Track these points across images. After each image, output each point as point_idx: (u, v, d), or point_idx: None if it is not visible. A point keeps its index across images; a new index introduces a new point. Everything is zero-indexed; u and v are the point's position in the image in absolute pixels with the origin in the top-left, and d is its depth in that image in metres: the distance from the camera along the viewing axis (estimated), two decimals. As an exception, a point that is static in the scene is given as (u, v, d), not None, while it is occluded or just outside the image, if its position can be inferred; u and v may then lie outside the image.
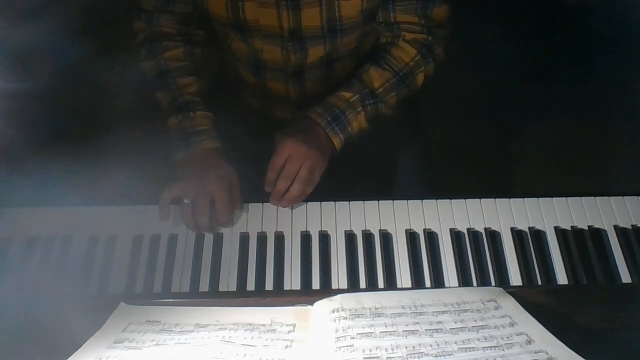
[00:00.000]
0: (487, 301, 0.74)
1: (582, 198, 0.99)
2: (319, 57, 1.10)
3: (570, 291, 0.88)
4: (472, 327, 0.68)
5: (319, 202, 0.99)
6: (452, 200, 0.99)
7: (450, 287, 0.89)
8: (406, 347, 0.64)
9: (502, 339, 0.65)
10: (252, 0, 1.00)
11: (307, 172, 0.98)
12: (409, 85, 1.10)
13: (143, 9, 1.09)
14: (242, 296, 0.87)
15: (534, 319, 0.69)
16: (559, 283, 0.91)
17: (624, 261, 0.92)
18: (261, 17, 1.02)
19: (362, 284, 0.90)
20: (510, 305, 0.73)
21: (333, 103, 1.05)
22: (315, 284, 0.90)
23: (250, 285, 0.90)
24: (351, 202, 0.99)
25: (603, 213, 0.97)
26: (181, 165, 1.01)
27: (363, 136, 1.08)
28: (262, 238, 0.95)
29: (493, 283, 0.90)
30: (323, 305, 0.73)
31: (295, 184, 0.98)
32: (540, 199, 0.99)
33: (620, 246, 0.94)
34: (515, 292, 0.76)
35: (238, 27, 1.05)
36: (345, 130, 1.05)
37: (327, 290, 0.89)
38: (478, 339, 0.65)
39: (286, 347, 0.66)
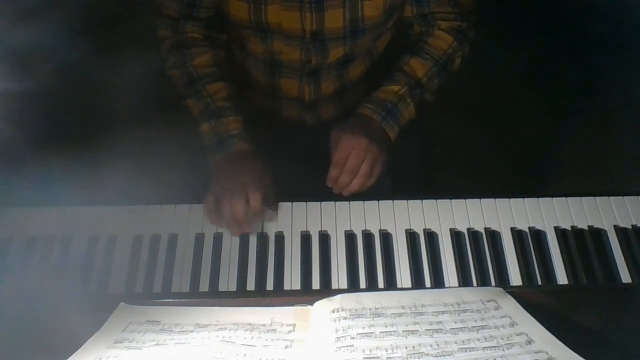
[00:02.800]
0: (487, 301, 0.74)
1: (582, 198, 0.99)
2: (337, 57, 1.11)
3: (570, 291, 0.88)
4: (472, 327, 0.68)
5: (319, 202, 0.99)
6: (452, 200, 0.99)
7: (450, 287, 0.89)
8: (406, 347, 0.64)
9: (502, 339, 0.65)
10: (275, 3, 1.01)
11: (369, 167, 1.00)
12: (448, 71, 1.13)
13: (167, 16, 1.09)
14: (242, 296, 0.88)
15: (534, 319, 0.69)
16: (559, 283, 0.91)
17: (624, 261, 0.92)
18: (284, 19, 1.03)
19: (362, 284, 0.90)
20: (510, 306, 0.73)
21: (383, 98, 1.07)
22: (315, 284, 0.90)
23: (250, 285, 0.90)
24: (351, 202, 0.99)
25: (603, 213, 0.97)
26: (217, 166, 1.02)
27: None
28: (262, 238, 0.95)
29: (493, 283, 0.90)
30: (323, 305, 0.73)
31: (357, 179, 1.00)
32: (540, 199, 0.99)
33: (620, 246, 0.94)
34: (515, 292, 0.76)
35: (259, 30, 1.06)
36: (399, 122, 1.07)
37: (327, 290, 0.89)
38: (478, 339, 0.65)
39: (286, 347, 0.66)
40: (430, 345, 0.64)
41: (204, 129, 1.05)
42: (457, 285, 0.90)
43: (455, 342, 0.64)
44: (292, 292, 0.89)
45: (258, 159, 1.03)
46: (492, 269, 0.92)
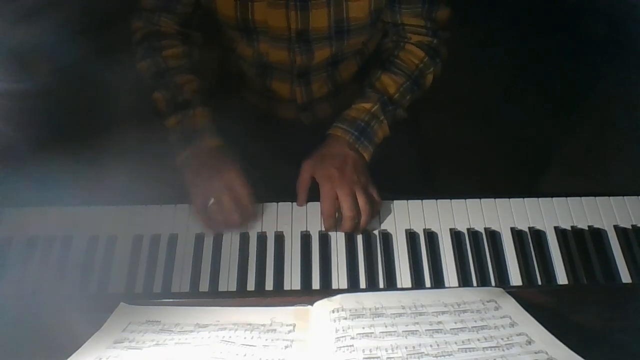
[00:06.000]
0: (487, 301, 0.74)
1: (582, 198, 0.99)
2: (324, 58, 1.10)
3: (570, 291, 0.88)
4: (472, 327, 0.68)
5: (318, 202, 0.98)
6: (452, 200, 0.99)
7: (450, 288, 0.89)
8: (406, 348, 0.64)
9: (502, 339, 0.65)
10: (261, 0, 1.00)
11: (366, 197, 0.95)
12: (420, 86, 1.11)
13: (143, 8, 1.09)
14: (242, 296, 0.88)
15: (534, 320, 0.69)
16: (559, 283, 0.91)
17: (624, 261, 0.92)
18: (270, 17, 1.02)
19: (362, 284, 0.90)
20: (510, 306, 0.73)
21: (355, 116, 1.04)
22: (315, 284, 0.90)
23: (250, 285, 0.90)
24: (351, 202, 0.99)
25: (603, 213, 0.97)
26: (186, 165, 0.99)
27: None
28: (262, 238, 0.95)
29: (493, 283, 0.90)
30: (323, 306, 0.73)
31: (363, 216, 0.94)
32: (540, 199, 0.99)
33: (620, 246, 0.94)
34: (515, 292, 0.76)
35: (245, 29, 1.05)
36: (373, 142, 1.03)
37: (327, 290, 0.89)
38: (478, 339, 0.65)
39: (286, 347, 0.66)
40: (430, 346, 0.64)
41: (169, 122, 1.03)
42: (457, 285, 0.90)
43: (455, 343, 0.64)
44: (292, 292, 0.89)
45: (231, 153, 1.00)
46: (492, 269, 0.92)
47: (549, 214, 0.97)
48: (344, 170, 0.97)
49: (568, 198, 0.99)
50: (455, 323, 0.69)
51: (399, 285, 0.90)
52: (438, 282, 0.91)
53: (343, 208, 0.94)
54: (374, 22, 1.07)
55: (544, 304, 0.78)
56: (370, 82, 1.08)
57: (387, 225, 0.97)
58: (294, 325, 0.71)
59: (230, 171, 0.97)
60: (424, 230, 0.96)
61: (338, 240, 0.95)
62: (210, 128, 1.02)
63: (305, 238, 0.95)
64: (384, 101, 1.06)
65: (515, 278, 0.91)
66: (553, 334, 0.66)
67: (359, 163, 1.00)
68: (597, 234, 0.95)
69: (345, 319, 0.70)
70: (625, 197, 0.99)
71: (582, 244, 0.94)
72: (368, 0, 1.01)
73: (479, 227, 0.96)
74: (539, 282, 0.90)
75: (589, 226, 0.96)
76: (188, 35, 1.12)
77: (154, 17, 1.08)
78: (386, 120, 1.05)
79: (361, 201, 0.95)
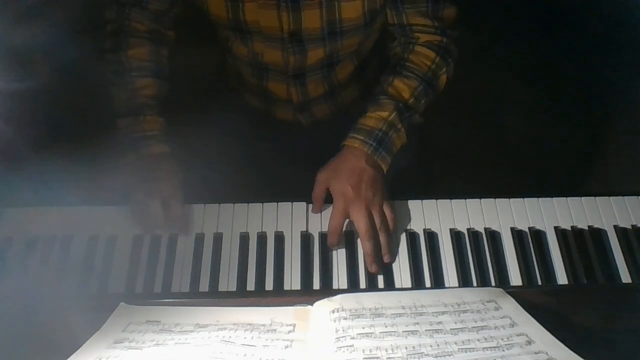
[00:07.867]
0: (487, 302, 0.74)
1: (582, 198, 0.99)
2: (318, 59, 1.09)
3: (570, 291, 0.88)
4: (472, 327, 0.68)
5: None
6: (452, 200, 0.99)
7: (450, 288, 0.89)
8: (406, 348, 0.64)
9: (502, 339, 0.65)
10: (252, 1, 1.00)
11: (381, 216, 0.93)
12: (434, 88, 1.08)
13: (115, 1, 1.07)
14: (242, 296, 0.88)
15: (534, 320, 0.69)
16: (559, 283, 0.91)
17: (624, 261, 0.92)
18: (261, 18, 1.02)
19: (362, 284, 0.90)
20: (510, 306, 0.73)
21: (372, 126, 1.00)
22: (316, 284, 0.90)
23: (250, 285, 0.90)
24: (351, 202, 0.99)
25: (603, 213, 0.97)
26: (131, 168, 1.00)
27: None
28: (262, 238, 0.95)
29: (493, 283, 0.90)
30: (323, 306, 0.73)
31: (382, 235, 0.92)
32: (540, 199, 0.99)
33: (620, 246, 0.94)
34: (515, 292, 0.76)
35: (238, 29, 1.05)
36: (392, 152, 1.01)
37: (327, 290, 0.89)
38: (478, 340, 0.65)
39: (286, 347, 0.66)
40: (430, 346, 0.64)
41: (120, 124, 1.03)
42: (457, 285, 0.90)
43: (455, 343, 0.64)
44: (292, 292, 0.89)
45: (173, 162, 1.01)
46: (492, 269, 0.92)
47: (549, 214, 0.97)
48: (360, 188, 0.94)
49: (568, 198, 0.99)
50: (455, 323, 0.69)
51: (398, 285, 0.90)
52: (438, 282, 0.91)
53: (359, 229, 0.92)
54: (368, 23, 1.06)
55: (544, 304, 0.78)
56: (383, 89, 1.04)
57: (387, 225, 0.97)
58: (294, 325, 0.71)
59: (167, 180, 0.98)
60: (424, 230, 0.96)
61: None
62: (158, 135, 1.03)
63: (305, 238, 0.95)
64: (400, 108, 1.02)
65: (515, 278, 0.91)
66: (553, 334, 0.66)
67: (376, 178, 0.97)
68: (597, 234, 0.95)
69: (345, 319, 0.70)
70: (625, 197, 0.99)
71: (582, 244, 0.94)
72: (361, 1, 1.01)
73: (479, 227, 0.96)
74: (539, 282, 0.90)
75: (589, 226, 0.96)
76: (159, 34, 1.09)
77: (124, 11, 1.06)
78: (403, 128, 1.02)
79: (377, 220, 0.93)
